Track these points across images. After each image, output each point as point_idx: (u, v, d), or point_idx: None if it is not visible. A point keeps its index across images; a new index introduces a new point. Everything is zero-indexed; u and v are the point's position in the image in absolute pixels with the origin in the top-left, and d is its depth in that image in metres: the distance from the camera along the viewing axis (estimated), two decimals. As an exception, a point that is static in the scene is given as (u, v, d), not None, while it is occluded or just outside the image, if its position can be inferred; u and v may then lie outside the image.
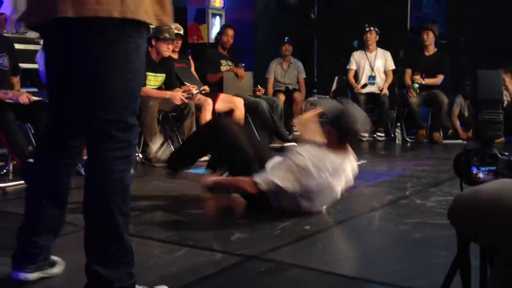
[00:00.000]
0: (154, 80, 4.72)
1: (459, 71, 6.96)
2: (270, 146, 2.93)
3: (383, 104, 6.29)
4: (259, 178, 2.61)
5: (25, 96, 3.75)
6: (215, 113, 5.12)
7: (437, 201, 2.97)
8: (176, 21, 6.23)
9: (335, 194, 2.69)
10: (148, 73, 4.64)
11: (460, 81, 6.53)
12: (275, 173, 2.60)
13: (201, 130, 3.53)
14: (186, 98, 4.66)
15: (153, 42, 4.64)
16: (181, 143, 4.84)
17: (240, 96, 5.34)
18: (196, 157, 3.14)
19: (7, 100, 3.74)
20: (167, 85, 4.82)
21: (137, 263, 1.67)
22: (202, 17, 7.19)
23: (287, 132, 5.71)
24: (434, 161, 4.59)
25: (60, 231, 1.84)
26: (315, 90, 7.95)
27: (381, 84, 6.49)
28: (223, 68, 5.69)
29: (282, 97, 6.48)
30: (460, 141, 6.00)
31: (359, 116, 2.70)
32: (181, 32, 5.35)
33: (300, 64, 7.13)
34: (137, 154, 4.49)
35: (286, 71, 7.06)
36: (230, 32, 5.80)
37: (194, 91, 4.86)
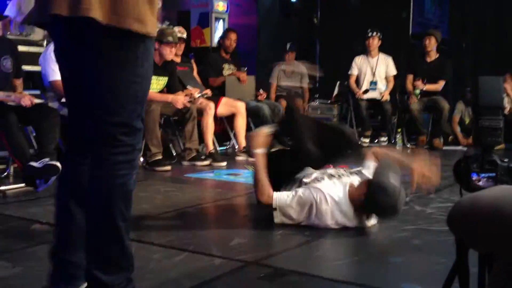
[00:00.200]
0: (156, 83, 4.73)
1: (460, 77, 6.95)
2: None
3: (386, 111, 6.29)
4: (277, 199, 2.61)
5: (27, 98, 3.76)
6: (217, 118, 5.13)
7: (437, 207, 2.96)
8: (179, 24, 6.26)
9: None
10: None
11: (461, 88, 6.53)
12: (292, 205, 2.58)
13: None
14: (188, 102, 4.67)
15: (156, 45, 4.65)
16: (182, 147, 4.86)
17: (242, 101, 5.35)
18: None
19: (9, 103, 3.75)
20: (169, 88, 4.83)
21: (137, 267, 1.67)
22: (205, 20, 7.20)
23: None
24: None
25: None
26: (317, 95, 7.95)
27: (382, 89, 6.48)
28: (225, 72, 5.70)
29: (283, 102, 6.49)
30: (460, 147, 6.00)
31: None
32: (184, 35, 5.36)
33: (304, 70, 7.13)
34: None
35: (289, 77, 7.06)
36: (233, 36, 5.82)
37: (196, 95, 4.87)
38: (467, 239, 1.18)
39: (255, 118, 5.60)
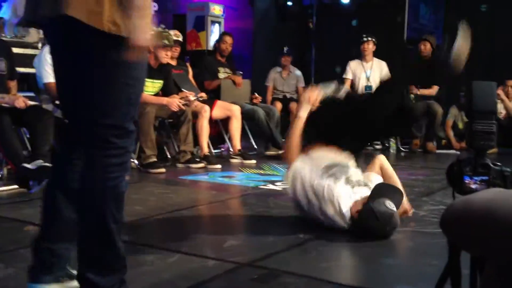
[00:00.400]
0: (151, 86, 4.73)
1: (454, 82, 6.99)
2: None
3: None
4: (295, 169, 2.55)
5: (21, 100, 3.75)
6: (212, 121, 5.14)
7: (430, 210, 2.97)
8: (175, 27, 6.27)
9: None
10: (146, 79, 4.63)
11: (455, 92, 6.56)
12: (304, 184, 2.53)
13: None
14: (183, 104, 4.68)
15: (152, 48, 4.65)
16: (176, 150, 4.86)
17: (237, 104, 5.36)
18: None
19: (3, 104, 3.74)
20: (165, 91, 4.83)
21: (130, 269, 1.66)
22: (201, 24, 7.22)
23: (284, 140, 5.72)
24: (427, 171, 4.60)
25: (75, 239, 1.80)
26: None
27: None
28: (221, 76, 5.71)
29: (278, 105, 6.51)
30: (453, 151, 6.03)
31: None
32: (180, 38, 5.37)
33: (299, 73, 7.17)
34: (132, 160, 4.49)
35: (285, 79, 7.09)
36: (229, 39, 5.83)
37: (191, 98, 4.88)
38: (460, 241, 1.19)
39: (250, 121, 5.61)
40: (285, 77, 7.08)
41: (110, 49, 1.49)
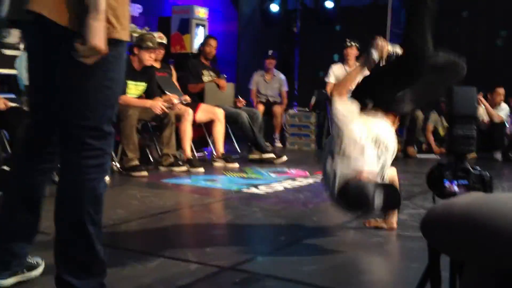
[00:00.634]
0: (134, 88, 4.70)
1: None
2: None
3: None
4: (341, 107, 2.35)
5: (1, 102, 3.70)
6: (195, 124, 5.12)
7: (410, 214, 3.00)
8: (159, 30, 6.25)
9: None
10: (129, 82, 4.62)
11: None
12: (342, 130, 2.29)
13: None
14: (166, 107, 4.65)
15: (136, 51, 4.63)
16: (159, 153, 4.83)
17: (220, 107, 5.35)
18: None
19: (-17, 106, 3.68)
20: (148, 94, 4.81)
21: (111, 273, 1.65)
22: (185, 27, 7.20)
23: (266, 144, 5.74)
24: (407, 175, 4.63)
25: (34, 238, 1.81)
26: (296, 103, 8.01)
27: None
28: (205, 79, 5.70)
29: (261, 109, 6.54)
30: (433, 155, 6.11)
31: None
32: (164, 41, 5.35)
33: (282, 77, 7.21)
34: (114, 163, 4.45)
35: (269, 83, 7.12)
36: (213, 43, 5.83)
37: (175, 101, 4.86)
38: (439, 245, 1.20)
39: (233, 124, 5.60)
40: (268, 81, 7.12)
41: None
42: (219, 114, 5.25)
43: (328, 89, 6.66)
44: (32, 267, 1.84)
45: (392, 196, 2.16)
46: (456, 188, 1.75)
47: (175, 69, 5.71)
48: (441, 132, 6.42)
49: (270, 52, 7.03)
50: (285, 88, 7.19)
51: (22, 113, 3.83)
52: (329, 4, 8.32)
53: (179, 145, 4.85)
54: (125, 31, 1.54)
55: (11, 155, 3.06)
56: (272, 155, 5.35)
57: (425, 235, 1.18)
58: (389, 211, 2.54)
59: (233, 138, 5.82)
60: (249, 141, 5.52)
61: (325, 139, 6.84)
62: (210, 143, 5.47)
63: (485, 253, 1.05)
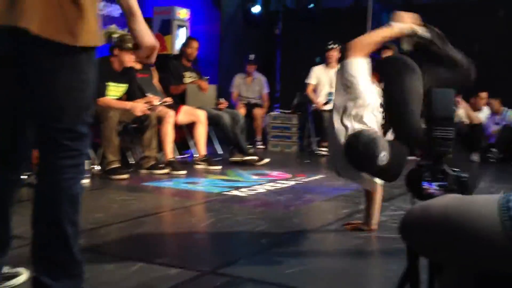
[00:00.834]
0: (115, 90, 4.66)
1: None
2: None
3: None
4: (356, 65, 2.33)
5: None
6: (177, 126, 5.09)
7: (390, 215, 3.02)
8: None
9: None
10: (109, 83, 4.57)
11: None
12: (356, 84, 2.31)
13: None
14: (147, 109, 4.62)
15: (116, 52, 4.59)
16: (140, 155, 4.78)
17: (202, 109, 5.33)
18: None
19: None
20: (129, 95, 4.77)
21: (90, 278, 1.63)
22: (167, 28, 7.16)
23: (248, 146, 5.73)
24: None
25: (8, 248, 1.76)
26: (278, 105, 8.02)
27: None
28: (186, 80, 5.67)
29: (242, 111, 6.53)
30: (413, 157, 6.15)
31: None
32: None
33: (264, 79, 7.22)
34: (94, 165, 4.40)
35: (250, 85, 7.13)
36: (195, 44, 5.80)
37: (156, 102, 4.82)
38: (418, 247, 1.20)
39: (215, 126, 5.59)
40: (249, 83, 7.12)
41: (57, 55, 1.51)
42: (201, 116, 5.22)
43: (308, 90, 6.68)
44: (11, 277, 1.81)
45: (397, 158, 2.15)
46: (434, 190, 1.76)
47: (156, 70, 5.67)
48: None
49: (251, 57, 7.04)
50: (266, 90, 7.21)
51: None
52: (311, 7, 8.36)
53: (160, 147, 4.81)
54: (96, 36, 1.57)
55: None
56: (254, 157, 5.34)
57: (403, 237, 1.19)
58: (385, 178, 2.49)
59: (215, 140, 5.80)
60: (231, 143, 5.51)
61: (307, 141, 6.89)
62: (192, 145, 5.44)
63: (462, 255, 1.06)
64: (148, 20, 7.21)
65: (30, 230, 1.58)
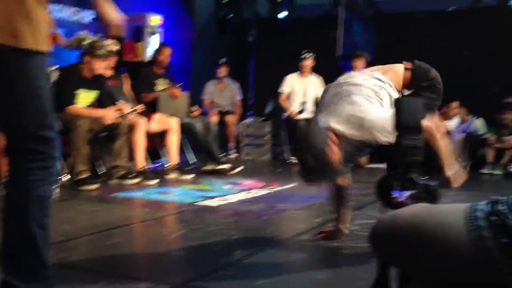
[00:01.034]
0: (85, 98, 4.58)
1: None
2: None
3: None
4: None
5: None
6: (149, 134, 5.03)
7: (361, 224, 3.04)
8: (112, 37, 6.11)
9: None
10: (79, 91, 4.50)
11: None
12: None
13: None
14: (118, 117, 4.55)
15: (87, 59, 4.51)
16: (110, 165, 4.70)
17: (175, 117, 5.28)
18: None
19: None
20: (99, 103, 4.69)
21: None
22: (138, 34, 7.10)
23: (221, 154, 5.70)
24: (359, 185, 4.68)
25: None
26: (251, 112, 8.03)
27: (311, 109, 6.64)
28: (158, 88, 5.61)
29: (215, 118, 6.51)
30: (383, 165, 6.21)
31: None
32: (116, 48, 5.24)
33: (236, 86, 7.21)
34: (63, 176, 4.31)
35: (222, 92, 7.11)
36: (167, 51, 5.76)
37: (127, 110, 4.75)
38: (387, 258, 1.21)
39: (187, 135, 5.54)
40: (221, 90, 7.10)
41: (9, 62, 1.52)
42: (174, 124, 5.18)
43: (281, 99, 6.70)
44: None
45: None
46: (403, 198, 1.78)
47: (128, 77, 5.60)
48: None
49: (221, 60, 7.03)
50: (238, 97, 7.20)
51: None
52: (284, 15, 8.41)
53: (131, 156, 4.75)
54: (44, 40, 1.58)
55: None
56: (226, 166, 5.32)
57: (373, 247, 1.19)
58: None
59: (187, 148, 5.75)
60: (203, 152, 5.47)
61: (280, 149, 6.89)
62: (164, 154, 5.39)
63: (430, 266, 1.06)
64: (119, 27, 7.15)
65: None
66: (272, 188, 4.43)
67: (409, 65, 2.56)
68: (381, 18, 7.73)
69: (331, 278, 2.22)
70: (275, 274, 2.32)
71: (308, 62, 6.61)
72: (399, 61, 2.67)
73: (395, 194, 1.81)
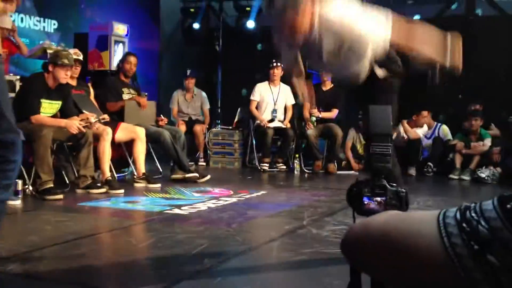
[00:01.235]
0: (49, 107, 4.48)
1: (353, 106, 7.36)
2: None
3: (288, 136, 6.49)
4: None
5: None
6: (115, 143, 4.96)
7: (332, 230, 3.06)
8: (76, 47, 6.02)
9: None
10: (43, 100, 4.40)
11: (353, 115, 6.90)
12: None
13: None
14: (83, 127, 4.47)
15: (50, 68, 4.42)
16: (76, 174, 4.61)
17: (141, 126, 5.22)
18: None
19: None
20: (64, 113, 4.60)
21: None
22: (103, 43, 7.00)
23: (190, 163, 5.67)
24: (329, 191, 4.76)
25: None
26: (219, 121, 8.02)
27: (281, 117, 6.70)
28: (125, 97, 5.54)
29: (183, 127, 6.48)
30: (352, 172, 6.32)
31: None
32: (80, 57, 5.16)
33: (204, 95, 7.20)
34: (27, 186, 4.19)
35: (190, 102, 7.08)
36: (133, 60, 5.70)
37: (92, 119, 4.67)
38: (359, 265, 1.21)
39: (155, 144, 5.49)
40: (189, 99, 7.08)
41: None
42: (140, 133, 5.12)
43: (252, 107, 6.73)
44: None
45: None
46: (374, 205, 1.80)
47: (93, 86, 5.51)
48: (360, 149, 6.67)
49: (188, 71, 7.02)
50: (207, 106, 7.19)
51: None
52: (250, 24, 8.46)
53: (98, 166, 4.66)
54: None
55: None
56: (195, 175, 5.28)
57: (345, 255, 1.19)
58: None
59: (155, 157, 5.69)
60: (172, 161, 5.43)
61: (249, 157, 6.90)
62: (131, 163, 5.31)
63: (402, 274, 1.06)
64: (84, 36, 7.05)
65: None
66: (241, 196, 4.42)
67: None
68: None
69: (303, 285, 2.23)
70: (246, 281, 2.31)
71: (278, 70, 6.67)
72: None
73: (366, 200, 1.83)
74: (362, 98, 2.59)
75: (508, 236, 0.94)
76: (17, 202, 3.79)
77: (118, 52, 6.99)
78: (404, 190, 1.83)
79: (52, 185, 4.16)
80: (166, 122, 5.76)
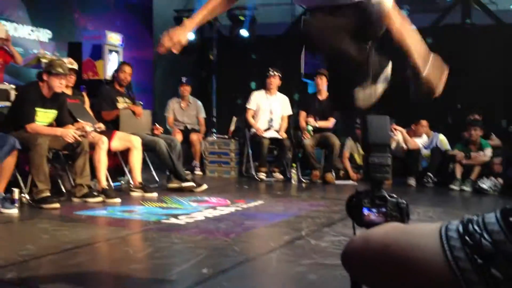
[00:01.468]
0: (44, 116, 4.47)
1: (350, 115, 7.38)
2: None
3: (284, 146, 6.49)
4: None
5: None
6: (111, 152, 4.94)
7: (331, 241, 3.06)
8: (70, 56, 6.02)
9: None
10: (38, 109, 4.39)
11: (350, 124, 6.91)
12: None
13: None
14: (79, 136, 4.46)
15: (45, 77, 4.42)
16: (72, 183, 4.59)
17: (137, 135, 5.21)
18: None
19: None
20: (59, 122, 4.59)
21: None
22: (98, 53, 7.03)
23: (186, 172, 5.66)
24: (327, 202, 4.75)
25: None
26: (214, 130, 8.02)
27: (277, 127, 6.70)
28: (120, 106, 5.54)
29: (179, 136, 6.47)
30: (350, 181, 6.31)
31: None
32: (75, 66, 5.16)
33: (199, 104, 7.21)
34: (23, 195, 4.17)
35: (185, 110, 7.08)
36: (128, 69, 5.70)
37: (88, 128, 4.66)
38: (360, 278, 1.20)
39: (151, 152, 5.48)
40: (184, 108, 7.08)
41: None
42: (136, 142, 5.11)
43: (248, 116, 6.73)
44: None
45: None
46: (375, 216, 1.81)
47: (88, 95, 5.51)
48: (357, 158, 6.65)
49: (183, 79, 7.02)
50: (202, 115, 7.19)
51: None
52: (245, 33, 8.49)
53: (94, 174, 4.65)
54: None
55: None
56: (191, 184, 5.27)
57: (345, 267, 1.19)
58: None
59: (151, 166, 5.68)
60: (168, 170, 5.42)
61: (246, 166, 6.88)
62: (127, 172, 5.29)
63: (403, 287, 1.06)
64: (78, 45, 7.05)
65: None
66: (239, 206, 4.42)
67: None
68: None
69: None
70: (246, 292, 2.31)
71: (275, 79, 6.68)
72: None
73: (366, 211, 1.83)
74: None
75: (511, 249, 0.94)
76: (14, 211, 3.77)
77: (112, 61, 7.00)
78: (404, 202, 1.83)
79: (48, 194, 4.14)
80: (161, 131, 5.75)
